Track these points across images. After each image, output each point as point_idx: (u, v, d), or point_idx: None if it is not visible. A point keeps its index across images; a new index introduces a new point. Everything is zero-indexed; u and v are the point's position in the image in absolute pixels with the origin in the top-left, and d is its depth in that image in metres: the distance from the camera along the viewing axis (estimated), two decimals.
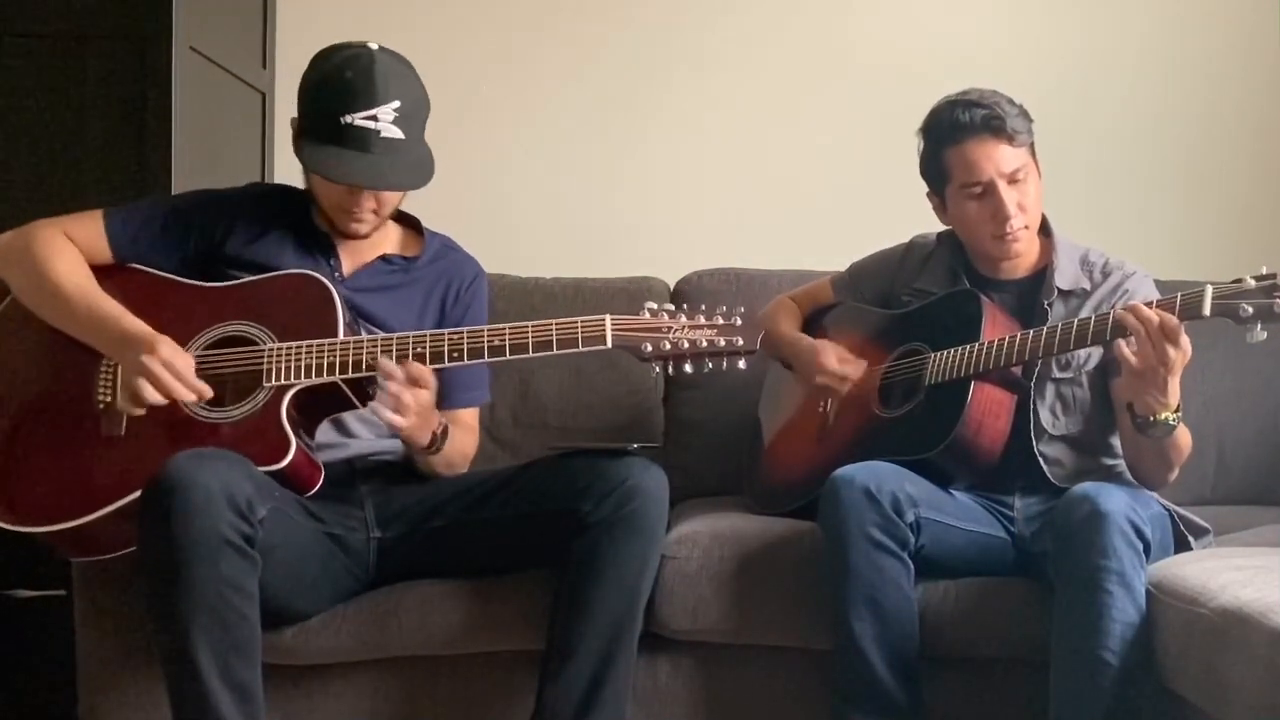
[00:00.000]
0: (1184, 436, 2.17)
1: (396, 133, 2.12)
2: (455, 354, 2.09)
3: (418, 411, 2.08)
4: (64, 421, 2.11)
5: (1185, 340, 2.02)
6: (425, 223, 2.38)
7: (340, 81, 2.12)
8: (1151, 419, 2.10)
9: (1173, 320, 2.01)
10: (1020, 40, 3.26)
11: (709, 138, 3.30)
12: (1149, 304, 2.06)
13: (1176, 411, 2.10)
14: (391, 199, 2.22)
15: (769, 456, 2.62)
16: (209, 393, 2.07)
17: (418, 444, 2.18)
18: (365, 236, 2.26)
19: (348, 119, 2.10)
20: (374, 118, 2.10)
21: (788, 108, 3.29)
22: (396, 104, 2.11)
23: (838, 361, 2.42)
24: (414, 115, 2.16)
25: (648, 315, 2.11)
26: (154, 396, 2.03)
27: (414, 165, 2.16)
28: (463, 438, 2.29)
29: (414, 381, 2.07)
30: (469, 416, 2.34)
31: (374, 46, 2.15)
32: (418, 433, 2.14)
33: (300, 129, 2.18)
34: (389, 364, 2.06)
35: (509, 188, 3.28)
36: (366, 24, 3.23)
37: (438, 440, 2.19)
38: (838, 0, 3.31)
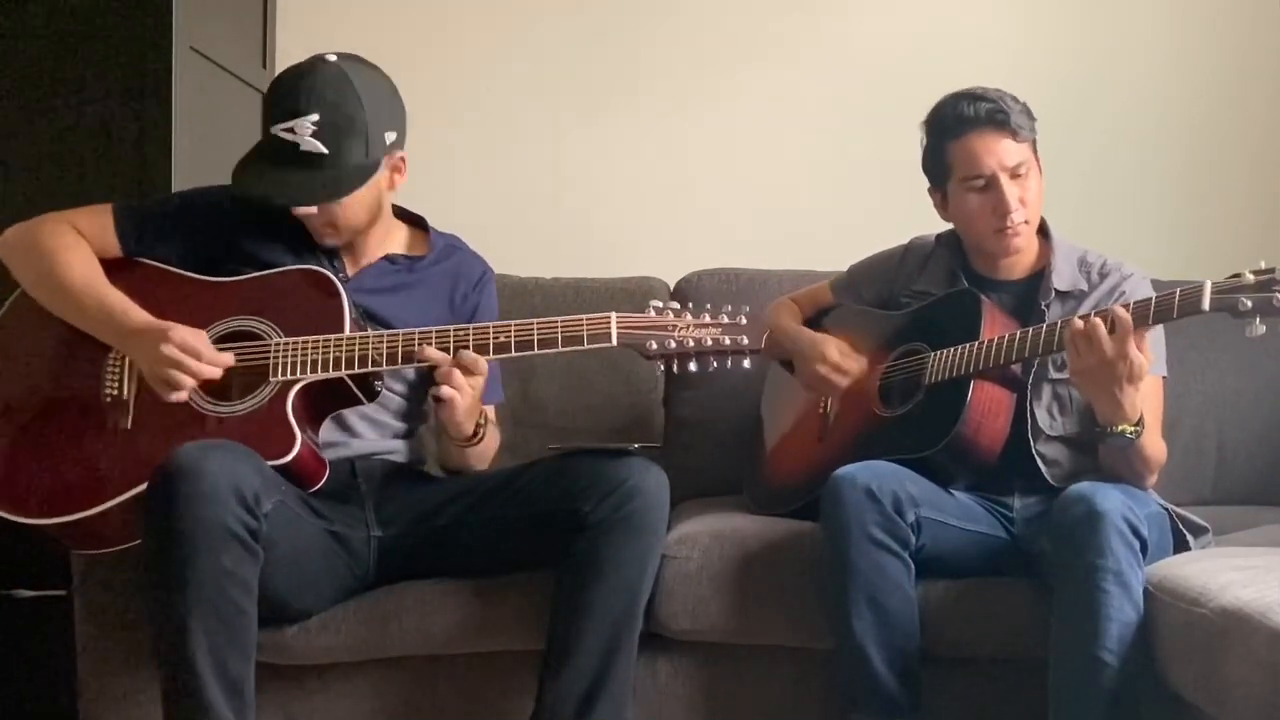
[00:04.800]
0: (1152, 448, 2.18)
1: (317, 146, 2.09)
2: (461, 349, 2.09)
3: (472, 397, 2.11)
4: (71, 414, 2.12)
5: (1134, 352, 2.03)
6: (425, 218, 2.38)
7: (272, 90, 2.13)
8: (1109, 429, 2.11)
9: (1101, 329, 2.03)
10: (1020, 41, 3.26)
11: (709, 138, 3.30)
12: (1130, 306, 2.06)
13: (1137, 425, 2.11)
14: (342, 212, 2.17)
15: (769, 457, 2.62)
16: (231, 360, 2.08)
17: (463, 434, 2.18)
18: (339, 246, 2.24)
19: (272, 130, 2.10)
20: (291, 130, 2.09)
21: (788, 107, 3.29)
22: (314, 117, 2.08)
23: (839, 354, 2.42)
24: (340, 130, 2.10)
25: (653, 313, 2.12)
26: (188, 381, 2.05)
27: (326, 181, 2.11)
28: (492, 432, 2.30)
29: (465, 369, 2.09)
30: (490, 413, 2.34)
31: (331, 57, 2.12)
32: (466, 421, 2.16)
33: None
34: (437, 352, 2.08)
35: (508, 188, 3.28)
36: (366, 24, 3.26)
37: (481, 430, 2.20)
38: (839, 1, 3.31)
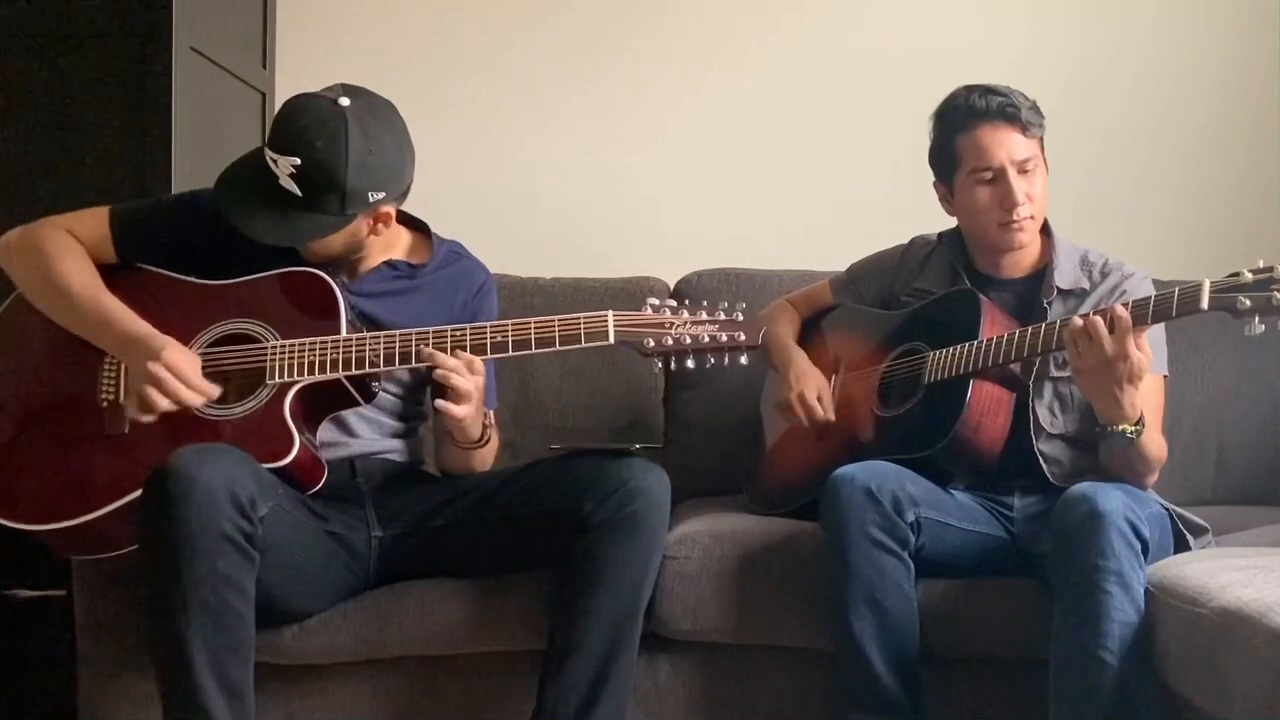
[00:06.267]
0: (1153, 447, 2.18)
1: (292, 188, 2.07)
2: (458, 350, 2.09)
3: (477, 398, 2.10)
4: (67, 420, 2.12)
5: (1134, 351, 2.03)
6: (427, 223, 2.37)
7: (281, 109, 2.12)
8: (1109, 428, 2.11)
9: (1100, 328, 2.03)
10: (1020, 43, 3.26)
11: (709, 138, 3.30)
12: (1129, 304, 2.06)
13: (1137, 424, 2.11)
14: (310, 245, 2.16)
15: (769, 457, 2.62)
16: (216, 393, 2.07)
17: (470, 436, 2.19)
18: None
19: (266, 153, 2.10)
20: (275, 162, 2.08)
21: (788, 108, 3.29)
22: (296, 161, 2.05)
23: (815, 398, 2.43)
24: (317, 181, 2.06)
25: (650, 311, 2.12)
26: (163, 403, 2.03)
27: (290, 223, 2.10)
28: (493, 435, 2.30)
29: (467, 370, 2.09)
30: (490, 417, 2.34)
31: (345, 101, 2.08)
32: (473, 424, 2.16)
33: None
34: (439, 354, 2.07)
35: (509, 188, 3.28)
36: (366, 24, 3.25)
37: (488, 431, 2.21)
38: (839, 0, 3.31)
